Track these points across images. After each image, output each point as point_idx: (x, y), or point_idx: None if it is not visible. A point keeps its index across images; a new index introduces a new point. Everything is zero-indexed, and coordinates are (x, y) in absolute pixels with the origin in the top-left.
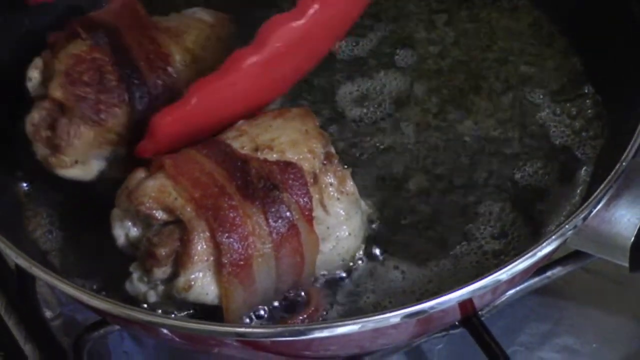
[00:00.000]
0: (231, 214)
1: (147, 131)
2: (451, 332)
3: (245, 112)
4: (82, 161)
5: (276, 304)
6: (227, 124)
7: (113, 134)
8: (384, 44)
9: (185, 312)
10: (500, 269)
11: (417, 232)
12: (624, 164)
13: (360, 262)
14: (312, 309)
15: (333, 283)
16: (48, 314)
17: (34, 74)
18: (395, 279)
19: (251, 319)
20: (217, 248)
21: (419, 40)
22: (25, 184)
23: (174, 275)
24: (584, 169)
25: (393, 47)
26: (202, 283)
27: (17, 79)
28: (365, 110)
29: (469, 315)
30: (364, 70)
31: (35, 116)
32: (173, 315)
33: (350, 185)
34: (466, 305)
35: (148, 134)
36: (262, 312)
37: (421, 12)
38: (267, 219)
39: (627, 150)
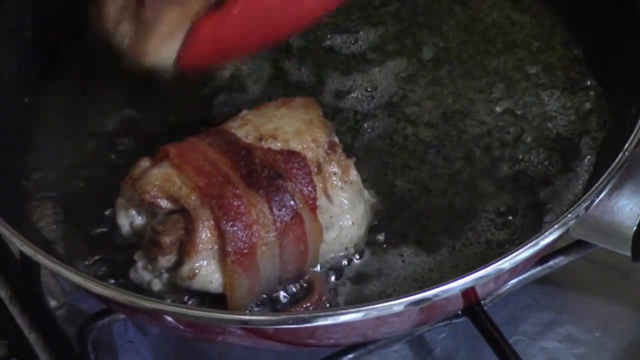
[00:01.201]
0: (235, 203)
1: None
2: (454, 321)
3: (288, 28)
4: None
5: (280, 292)
6: (266, 41)
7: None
8: (384, 36)
9: (190, 300)
10: (503, 258)
11: (420, 221)
12: (626, 153)
13: (363, 250)
14: (316, 297)
15: (337, 271)
16: (52, 303)
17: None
18: (398, 268)
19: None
20: (222, 236)
21: (420, 30)
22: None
23: (179, 263)
24: (586, 159)
25: (394, 38)
26: (207, 271)
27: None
28: (365, 102)
29: (471, 304)
30: (362, 63)
31: None
32: (177, 303)
33: (353, 174)
34: (469, 293)
35: (190, 38)
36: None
37: (422, 2)
38: (271, 208)
39: (630, 141)
